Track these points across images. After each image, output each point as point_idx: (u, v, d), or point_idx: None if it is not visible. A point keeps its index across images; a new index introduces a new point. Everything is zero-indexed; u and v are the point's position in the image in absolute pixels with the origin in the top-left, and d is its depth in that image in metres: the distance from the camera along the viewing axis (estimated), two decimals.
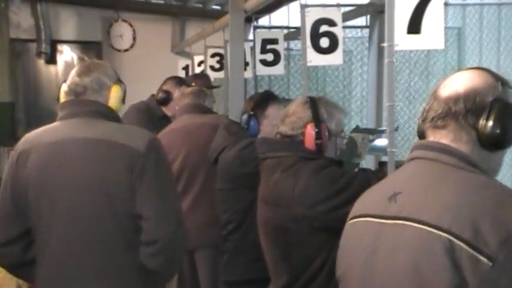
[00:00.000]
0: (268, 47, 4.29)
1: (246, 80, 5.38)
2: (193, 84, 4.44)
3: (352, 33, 6.61)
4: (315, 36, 3.23)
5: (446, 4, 6.05)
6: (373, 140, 3.14)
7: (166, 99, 4.26)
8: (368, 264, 1.44)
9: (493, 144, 1.41)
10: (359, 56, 6.68)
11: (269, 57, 4.31)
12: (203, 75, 4.80)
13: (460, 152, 1.42)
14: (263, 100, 3.07)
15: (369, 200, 1.56)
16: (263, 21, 6.51)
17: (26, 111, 6.68)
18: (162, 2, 6.79)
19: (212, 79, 4.90)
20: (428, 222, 1.30)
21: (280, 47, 4.34)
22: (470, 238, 1.24)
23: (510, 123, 1.40)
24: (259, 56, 4.27)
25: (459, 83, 1.44)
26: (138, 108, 4.32)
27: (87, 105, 2.26)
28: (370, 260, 1.44)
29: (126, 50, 6.75)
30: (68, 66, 6.68)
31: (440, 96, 1.46)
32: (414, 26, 2.32)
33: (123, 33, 6.73)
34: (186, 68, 6.33)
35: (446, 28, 6.34)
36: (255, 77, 5.21)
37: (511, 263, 1.22)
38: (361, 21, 5.77)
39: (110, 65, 2.41)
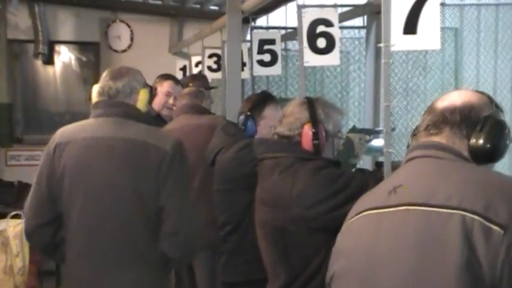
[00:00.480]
0: (266, 47, 4.29)
1: (243, 80, 5.38)
2: (191, 85, 4.44)
3: (350, 34, 6.61)
4: (312, 36, 3.23)
5: (443, 4, 6.07)
6: (370, 141, 3.14)
7: (151, 95, 4.22)
8: (369, 253, 1.45)
9: (483, 157, 1.48)
10: (357, 56, 6.68)
11: (266, 57, 4.31)
12: (200, 76, 4.79)
13: (457, 150, 1.48)
14: (260, 101, 3.06)
15: (367, 199, 1.58)
16: (261, 21, 6.51)
17: (24, 112, 6.67)
18: (160, 2, 6.79)
19: (210, 80, 4.89)
20: (437, 204, 1.34)
21: (278, 47, 4.34)
22: (481, 210, 1.29)
23: (501, 138, 1.49)
24: (256, 57, 4.28)
25: (456, 97, 1.53)
26: None
27: (120, 106, 2.51)
28: (371, 248, 1.45)
29: (123, 51, 6.74)
30: (66, 67, 6.68)
31: (436, 108, 1.53)
32: (410, 27, 2.32)
33: (120, 33, 6.72)
34: (183, 69, 6.33)
35: (443, 28, 6.37)
36: (252, 77, 5.21)
37: None
38: (359, 21, 5.78)
39: (138, 70, 2.64)
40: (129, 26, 6.76)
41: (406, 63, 6.46)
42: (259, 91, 4.61)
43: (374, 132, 3.31)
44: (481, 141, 1.46)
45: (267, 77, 6.39)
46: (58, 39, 6.60)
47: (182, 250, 2.44)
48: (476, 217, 1.29)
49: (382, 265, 1.41)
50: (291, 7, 5.72)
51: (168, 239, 2.41)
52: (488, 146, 1.46)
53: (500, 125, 1.50)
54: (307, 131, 2.28)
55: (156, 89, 4.23)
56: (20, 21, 6.44)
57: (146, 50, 6.67)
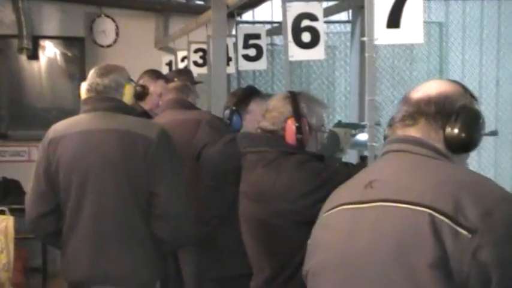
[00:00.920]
0: (251, 42, 4.28)
1: (229, 75, 5.37)
2: (176, 79, 4.42)
3: (336, 29, 6.62)
4: (297, 31, 3.23)
5: None
6: (355, 135, 3.15)
7: (143, 93, 4.21)
8: (346, 249, 1.45)
9: (458, 146, 1.49)
10: (343, 51, 6.69)
11: (252, 52, 4.30)
12: (186, 71, 4.77)
13: (432, 144, 1.49)
14: (246, 95, 3.06)
15: (343, 192, 1.59)
16: (247, 16, 6.50)
17: (9, 108, 6.60)
18: None
19: (195, 74, 4.88)
20: (410, 201, 1.35)
21: (263, 42, 4.34)
22: (450, 212, 1.29)
23: (475, 128, 1.50)
24: (241, 51, 4.27)
25: (431, 88, 1.54)
26: None
27: (108, 101, 2.72)
28: (348, 245, 1.45)
29: (109, 46, 6.69)
30: (51, 62, 6.63)
31: (411, 99, 1.53)
32: (394, 21, 2.33)
33: (106, 28, 6.66)
34: (169, 64, 6.30)
35: (429, 23, 6.39)
36: (238, 72, 5.20)
37: (489, 236, 1.27)
38: (345, 16, 5.78)
39: (122, 67, 2.85)
40: (114, 21, 6.71)
41: (392, 57, 6.48)
42: (245, 86, 4.60)
43: (359, 127, 3.31)
44: (456, 132, 1.47)
45: (254, 71, 6.38)
46: (43, 34, 6.54)
47: (171, 232, 2.63)
48: (444, 219, 1.29)
49: (359, 262, 1.41)
50: (277, 2, 5.71)
51: (158, 222, 2.61)
52: (463, 135, 1.47)
53: (475, 115, 1.51)
54: (291, 125, 2.29)
55: (147, 87, 4.22)
56: (4, 16, 6.38)
57: (132, 45, 6.63)
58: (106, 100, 2.72)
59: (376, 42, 2.35)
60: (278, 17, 5.69)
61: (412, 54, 6.47)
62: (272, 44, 6.43)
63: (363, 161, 2.92)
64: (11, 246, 3.94)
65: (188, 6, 6.73)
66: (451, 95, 1.51)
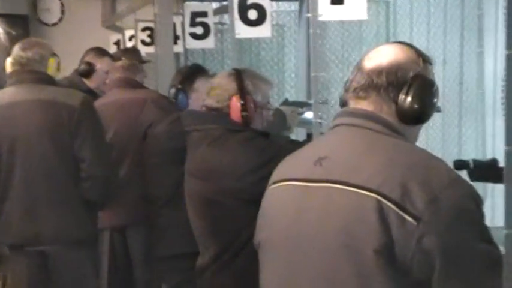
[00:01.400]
0: (198, 20, 4.25)
1: (178, 54, 5.31)
2: (123, 59, 4.36)
3: (284, 7, 6.60)
4: (243, 8, 3.22)
5: None
6: (302, 113, 3.16)
7: (89, 70, 4.14)
8: (293, 227, 1.45)
9: (410, 118, 1.46)
10: (292, 29, 6.68)
11: (199, 30, 4.27)
12: (133, 50, 4.70)
13: (384, 119, 1.45)
14: (191, 73, 3.05)
15: (292, 165, 1.57)
16: None
17: None
18: None
19: (144, 54, 4.81)
20: (357, 184, 1.34)
21: (210, 20, 4.31)
22: (397, 198, 1.29)
23: (428, 98, 1.46)
24: (188, 29, 4.23)
25: (383, 56, 1.48)
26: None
27: (32, 73, 2.89)
28: (295, 223, 1.44)
29: (54, 24, 6.54)
30: None
31: (364, 67, 1.48)
32: None
33: (50, 6, 6.52)
34: (117, 43, 6.20)
35: (377, 1, 6.44)
36: (185, 51, 5.16)
37: (435, 223, 1.27)
38: None
39: (45, 42, 3.08)
40: None
41: (341, 35, 6.50)
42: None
43: (306, 105, 3.33)
44: (407, 103, 1.43)
45: (203, 50, 6.33)
46: None
47: (97, 192, 2.87)
48: (391, 205, 1.29)
49: (304, 242, 1.41)
50: None
51: (85, 184, 2.83)
52: (415, 107, 1.43)
53: (427, 85, 1.47)
54: (236, 102, 2.28)
55: (93, 64, 4.15)
56: None
57: (78, 24, 6.48)
58: (30, 72, 2.88)
59: (320, 19, 2.37)
60: None
61: (360, 32, 6.51)
62: (221, 23, 6.38)
63: (310, 138, 2.94)
64: None
65: None
66: (404, 63, 1.46)
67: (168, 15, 4.02)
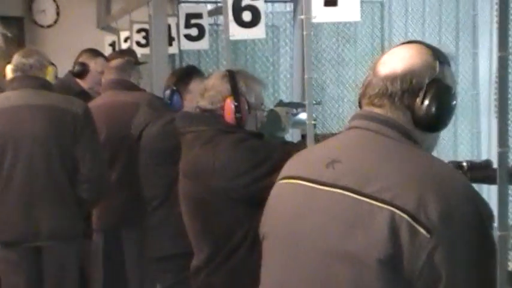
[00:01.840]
0: (193, 21, 4.25)
1: (173, 55, 5.31)
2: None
3: (279, 8, 6.61)
4: (237, 10, 3.21)
5: None
6: (297, 114, 3.16)
7: (83, 71, 4.14)
8: (293, 226, 1.43)
9: (426, 125, 1.42)
10: (287, 30, 6.69)
11: (194, 32, 4.27)
12: (128, 51, 4.69)
13: (401, 125, 1.42)
14: (185, 75, 3.05)
15: (303, 162, 1.54)
16: None
17: None
18: None
19: (139, 55, 4.80)
20: (371, 194, 1.30)
21: (205, 21, 4.31)
22: (412, 210, 1.25)
23: (444, 105, 1.42)
24: (183, 31, 4.23)
25: (398, 61, 1.44)
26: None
27: (35, 79, 3.09)
28: (296, 222, 1.43)
29: (49, 26, 6.53)
30: None
31: (379, 73, 1.46)
32: None
33: (45, 8, 6.50)
34: (112, 45, 6.19)
35: (372, 2, 6.45)
36: (180, 52, 5.15)
37: (448, 236, 1.24)
38: None
39: (44, 52, 3.27)
40: (54, 0, 6.54)
41: (336, 35, 6.51)
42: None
43: (301, 106, 3.33)
44: (423, 110, 1.40)
45: (198, 51, 6.33)
46: None
47: (95, 192, 3.11)
48: (405, 216, 1.25)
49: (305, 242, 1.40)
50: None
51: (84, 185, 3.06)
52: (432, 114, 1.40)
53: (444, 91, 1.42)
54: (229, 104, 2.28)
55: (86, 65, 4.15)
56: None
57: (73, 25, 6.47)
58: (32, 78, 3.07)
59: (313, 20, 2.37)
60: None
61: (355, 32, 6.52)
62: (216, 24, 6.38)
63: (304, 139, 2.94)
64: None
65: None
66: (419, 69, 1.42)
67: (162, 16, 4.03)
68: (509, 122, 1.77)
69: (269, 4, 6.15)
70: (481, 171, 2.26)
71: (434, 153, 1.55)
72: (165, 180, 2.84)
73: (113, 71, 3.76)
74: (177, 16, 4.39)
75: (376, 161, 1.38)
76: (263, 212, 1.59)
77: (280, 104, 3.24)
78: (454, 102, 1.44)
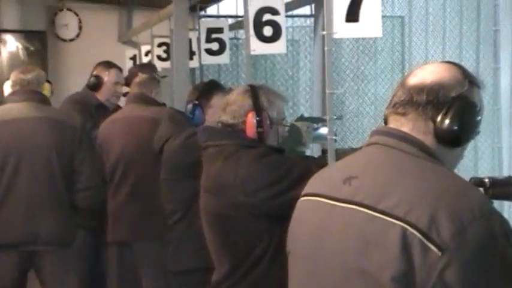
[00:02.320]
0: (214, 36, 4.27)
1: (194, 69, 5.34)
2: (140, 74, 4.40)
3: (299, 22, 6.63)
4: (258, 25, 3.23)
5: None
6: (317, 129, 3.16)
7: (97, 84, 4.16)
8: (313, 244, 1.45)
9: (448, 140, 1.41)
10: (306, 44, 6.70)
11: (214, 46, 4.29)
12: (149, 65, 4.75)
13: (420, 141, 1.42)
14: (207, 89, 3.07)
15: (323, 179, 1.56)
16: (212, 10, 6.47)
17: None
18: None
19: (160, 69, 4.85)
20: (384, 210, 1.30)
21: (226, 36, 4.33)
22: (423, 227, 1.24)
23: (467, 121, 1.41)
24: (204, 45, 4.26)
25: (428, 74, 1.45)
26: (71, 99, 4.20)
27: (35, 93, 3.32)
28: (315, 240, 1.44)
29: (71, 40, 6.61)
30: (13, 56, 6.52)
31: (407, 84, 1.46)
32: (352, 15, 2.35)
33: (68, 22, 6.58)
34: (133, 58, 6.25)
35: (392, 17, 6.45)
36: (201, 66, 5.19)
37: (460, 255, 1.23)
38: (310, 10, 5.79)
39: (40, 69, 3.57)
40: (77, 15, 6.62)
41: (356, 49, 6.51)
42: (209, 80, 4.58)
43: (321, 120, 3.33)
44: (445, 124, 1.39)
45: (218, 65, 6.37)
46: (3, 27, 6.42)
47: (93, 201, 3.34)
48: (417, 233, 1.24)
49: (324, 260, 1.41)
50: None
51: (82, 194, 3.29)
52: (454, 128, 1.39)
53: (469, 107, 1.41)
54: (251, 118, 2.29)
55: (100, 77, 4.17)
56: None
57: (95, 39, 6.55)
58: (33, 92, 3.30)
59: (335, 36, 2.37)
60: (241, 11, 5.69)
61: (375, 46, 6.51)
62: (237, 38, 6.42)
63: (325, 154, 2.94)
64: None
65: (151, 0, 6.68)
66: (447, 83, 1.42)
67: (184, 31, 4.06)
68: None
69: (289, 18, 6.17)
70: (504, 188, 2.24)
71: (455, 169, 1.54)
72: (186, 195, 2.86)
73: (136, 86, 3.81)
74: (198, 30, 4.42)
75: (392, 176, 1.37)
76: (288, 229, 1.60)
77: (301, 118, 3.24)
78: (478, 119, 1.43)
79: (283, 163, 2.22)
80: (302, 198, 1.57)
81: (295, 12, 5.75)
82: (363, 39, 6.21)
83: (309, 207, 1.53)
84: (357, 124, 6.57)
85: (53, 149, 3.20)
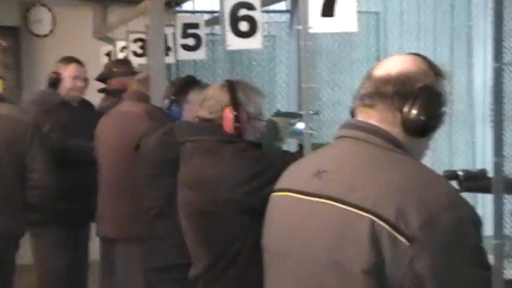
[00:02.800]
0: (189, 31, 4.24)
1: (170, 65, 5.32)
2: (115, 69, 4.39)
3: (276, 18, 6.64)
4: (234, 20, 3.23)
5: None
6: (294, 124, 3.18)
7: (56, 80, 4.07)
8: (286, 239, 1.46)
9: (415, 130, 1.43)
10: (283, 40, 6.71)
11: (190, 41, 4.26)
12: (125, 61, 4.72)
13: (388, 133, 1.43)
14: (184, 85, 3.06)
15: (293, 174, 1.57)
16: (187, 6, 6.44)
17: None
18: None
19: (135, 65, 4.82)
20: (353, 203, 1.32)
21: (202, 31, 4.31)
22: (391, 218, 1.26)
23: (434, 111, 1.43)
24: (180, 41, 4.23)
25: (393, 65, 1.46)
26: (32, 100, 4.11)
27: None
28: (288, 235, 1.45)
29: (45, 36, 6.54)
30: None
31: (373, 76, 1.47)
32: (328, 9, 2.36)
33: (42, 18, 6.52)
34: (108, 54, 6.20)
35: (367, 13, 6.48)
36: (177, 62, 5.17)
37: (428, 245, 1.25)
38: (285, 6, 5.81)
39: None
40: (50, 10, 6.56)
41: (332, 45, 6.53)
42: (185, 76, 4.57)
43: (298, 116, 3.34)
44: (412, 114, 1.40)
45: (195, 61, 6.34)
46: None
47: (43, 198, 3.41)
48: (385, 225, 1.26)
49: (297, 255, 1.42)
50: None
51: (33, 191, 3.35)
52: (421, 118, 1.40)
53: (434, 96, 1.44)
54: (228, 113, 2.29)
55: (59, 73, 4.09)
56: None
57: (69, 35, 6.48)
58: None
59: (310, 31, 2.38)
60: (217, 7, 5.67)
61: (350, 42, 6.54)
62: (213, 34, 6.40)
63: (301, 149, 2.95)
64: None
65: None
66: (413, 74, 1.44)
67: (159, 26, 4.04)
68: (504, 131, 1.80)
69: (265, 14, 6.17)
70: (477, 181, 2.28)
71: (430, 163, 1.56)
72: (165, 190, 2.85)
73: (135, 83, 3.78)
74: (174, 26, 4.39)
75: (360, 169, 1.39)
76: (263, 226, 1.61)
77: (278, 113, 3.25)
78: (443, 109, 1.46)
79: (262, 158, 2.23)
80: (274, 194, 1.58)
81: (271, 7, 5.75)
82: (339, 34, 6.23)
83: (281, 202, 1.54)
84: (334, 119, 6.60)
85: (5, 146, 3.24)
